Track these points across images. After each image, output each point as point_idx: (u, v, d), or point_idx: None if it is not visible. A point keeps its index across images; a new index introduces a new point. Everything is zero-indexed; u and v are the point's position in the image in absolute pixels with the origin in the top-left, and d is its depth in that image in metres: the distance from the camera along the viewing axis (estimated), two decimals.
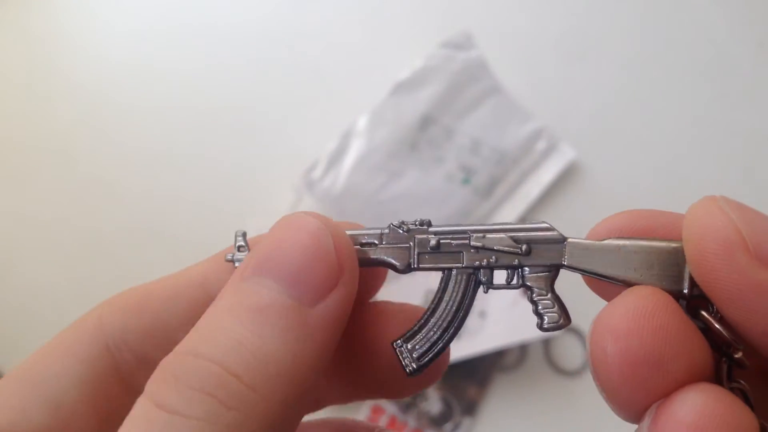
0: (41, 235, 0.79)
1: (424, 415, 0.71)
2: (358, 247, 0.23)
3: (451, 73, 0.80)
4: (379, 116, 0.78)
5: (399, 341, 0.23)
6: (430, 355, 0.23)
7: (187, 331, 0.22)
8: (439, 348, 0.23)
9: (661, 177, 0.78)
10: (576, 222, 0.82)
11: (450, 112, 0.79)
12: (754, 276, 0.18)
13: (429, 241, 0.23)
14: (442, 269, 0.23)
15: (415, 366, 0.23)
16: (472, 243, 0.23)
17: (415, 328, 0.23)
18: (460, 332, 0.23)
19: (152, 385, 0.19)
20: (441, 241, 0.23)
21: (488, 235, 0.23)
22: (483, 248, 0.23)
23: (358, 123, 0.78)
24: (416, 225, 0.23)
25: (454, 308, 0.23)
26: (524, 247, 0.23)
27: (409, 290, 0.73)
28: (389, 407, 0.71)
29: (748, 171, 0.78)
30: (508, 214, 0.77)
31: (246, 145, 0.81)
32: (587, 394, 0.70)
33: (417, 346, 0.23)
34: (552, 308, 0.23)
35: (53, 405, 0.24)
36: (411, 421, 0.71)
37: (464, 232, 0.23)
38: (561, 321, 0.23)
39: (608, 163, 0.79)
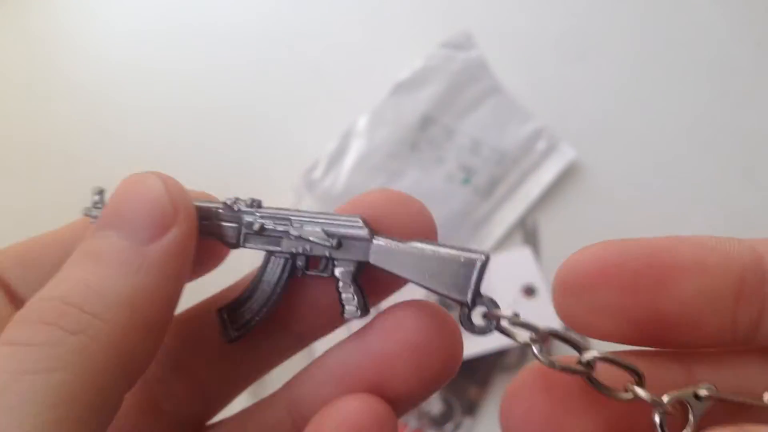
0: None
1: (424, 416, 0.71)
2: (201, 221, 0.25)
3: (451, 73, 0.80)
4: (379, 116, 0.78)
5: (223, 310, 0.25)
6: (248, 327, 0.25)
7: None
8: (257, 320, 0.25)
9: (661, 177, 0.78)
10: (576, 222, 0.82)
11: (450, 112, 0.79)
12: None
13: (254, 224, 0.25)
14: (264, 251, 0.25)
15: (234, 335, 0.25)
16: (291, 231, 0.25)
17: (239, 300, 0.25)
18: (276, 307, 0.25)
19: (5, 331, 0.20)
20: (264, 225, 0.25)
21: (305, 227, 0.25)
22: (300, 237, 0.25)
23: (358, 123, 0.78)
24: (246, 205, 0.25)
25: (271, 288, 0.25)
26: (335, 241, 0.24)
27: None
28: None
29: (748, 171, 0.78)
30: (508, 214, 0.77)
31: (246, 146, 0.81)
32: None
33: (238, 317, 0.25)
34: (352, 300, 0.24)
35: None
36: (412, 422, 0.71)
37: (286, 219, 0.25)
38: (358, 313, 0.24)
39: (608, 163, 0.79)
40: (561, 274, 0.21)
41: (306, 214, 0.25)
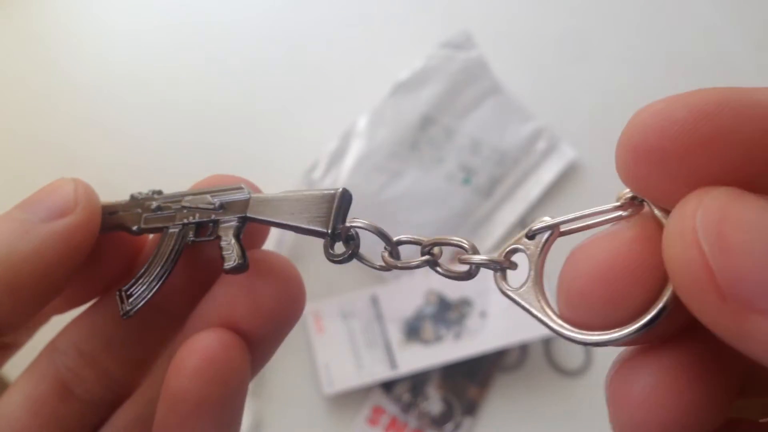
0: None
1: (424, 416, 0.71)
2: (106, 215, 0.27)
3: (451, 73, 0.80)
4: (379, 116, 0.78)
5: (121, 289, 0.26)
6: (141, 301, 0.26)
7: None
8: (148, 294, 0.26)
9: None
10: None
11: (450, 112, 0.79)
12: (726, 323, 0.16)
13: (152, 204, 0.27)
14: (160, 229, 0.27)
15: (128, 308, 0.26)
16: (183, 204, 0.27)
17: (135, 277, 0.26)
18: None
19: None
20: (161, 204, 0.27)
21: (194, 197, 0.27)
22: (189, 207, 0.26)
23: (358, 123, 0.78)
24: (148, 194, 0.27)
25: (164, 261, 0.26)
26: (218, 202, 0.26)
27: (409, 289, 0.73)
28: (390, 407, 0.71)
29: None
30: (509, 214, 0.77)
31: (246, 146, 0.81)
32: (588, 394, 0.70)
33: (134, 293, 0.26)
34: (231, 253, 0.25)
35: None
36: (412, 422, 0.71)
37: (180, 195, 0.27)
38: (237, 261, 0.25)
39: (608, 163, 0.78)
40: (633, 136, 0.19)
41: (197, 190, 0.27)
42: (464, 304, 0.71)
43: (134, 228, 0.27)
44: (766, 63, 0.81)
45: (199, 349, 0.24)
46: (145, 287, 0.26)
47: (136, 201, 0.27)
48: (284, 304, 0.26)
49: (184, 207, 0.27)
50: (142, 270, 0.26)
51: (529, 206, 0.77)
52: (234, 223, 0.26)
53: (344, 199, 0.24)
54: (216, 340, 0.24)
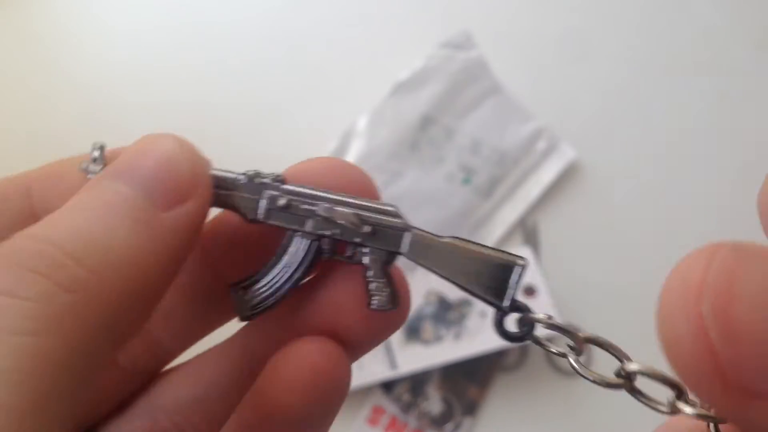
0: None
1: (424, 416, 0.71)
2: (216, 190, 0.23)
3: (451, 73, 0.80)
4: (379, 116, 0.78)
5: (236, 285, 0.24)
6: (262, 307, 0.24)
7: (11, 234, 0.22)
8: (271, 302, 0.24)
9: (661, 177, 0.78)
10: (576, 222, 0.82)
11: (450, 112, 0.79)
12: (726, 405, 0.15)
13: (279, 199, 0.23)
14: (287, 229, 0.24)
15: (247, 313, 0.24)
16: (320, 212, 0.23)
17: (255, 277, 0.24)
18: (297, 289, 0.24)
19: None
20: (291, 202, 0.23)
21: (336, 208, 0.23)
22: (329, 219, 0.23)
23: (358, 123, 0.78)
24: (269, 179, 0.24)
25: (292, 269, 0.24)
26: (367, 228, 0.23)
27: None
28: (390, 407, 0.71)
29: (748, 171, 0.78)
30: (509, 214, 0.77)
31: (246, 146, 0.81)
32: (588, 394, 0.70)
33: (252, 295, 0.24)
34: (382, 291, 0.23)
35: None
36: (412, 422, 0.71)
37: (315, 197, 0.23)
38: (388, 305, 0.23)
39: (608, 163, 0.79)
40: None
41: (335, 195, 0.23)
42: (464, 304, 0.71)
43: (250, 217, 0.24)
44: (766, 63, 0.82)
45: (304, 361, 0.22)
46: (267, 292, 0.24)
47: (254, 185, 0.24)
48: (394, 318, 0.24)
49: (319, 215, 0.23)
50: (264, 272, 0.24)
51: (529, 206, 0.77)
52: (383, 258, 0.23)
53: (525, 273, 0.22)
54: (322, 352, 0.23)
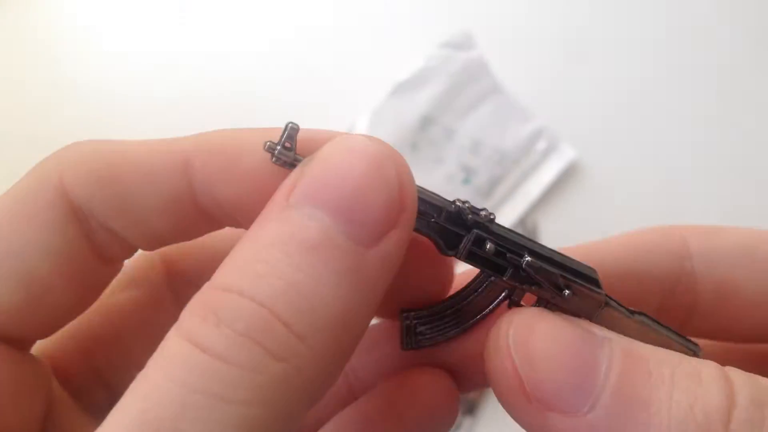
0: None
1: None
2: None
3: (451, 73, 0.80)
4: (379, 116, 0.78)
5: (409, 314, 0.23)
6: (429, 342, 0.23)
7: (162, 217, 0.21)
8: (441, 340, 0.23)
9: (661, 176, 0.78)
10: (576, 222, 0.82)
11: (450, 112, 0.79)
12: (532, 419, 0.19)
13: (486, 244, 0.22)
14: (485, 272, 0.22)
15: (413, 345, 0.23)
16: (524, 266, 0.22)
17: (432, 310, 0.23)
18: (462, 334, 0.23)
19: (188, 321, 0.16)
20: (498, 251, 0.22)
21: (544, 265, 0.22)
22: (532, 275, 0.22)
23: (358, 123, 0.78)
24: (482, 218, 0.22)
25: (475, 311, 0.23)
26: (567, 292, 0.22)
27: None
28: None
29: (748, 171, 0.78)
30: (509, 214, 0.77)
31: None
32: None
33: (423, 328, 0.23)
34: None
35: (24, 280, 0.21)
36: None
37: (522, 247, 0.22)
38: None
39: (608, 163, 0.79)
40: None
41: (541, 249, 0.22)
42: None
43: (448, 250, 0.22)
44: (766, 63, 0.81)
45: (424, 398, 0.22)
46: (439, 329, 0.23)
47: (460, 218, 0.21)
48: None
49: (523, 269, 0.22)
50: (444, 307, 0.23)
51: (529, 206, 0.77)
52: None
53: None
54: (441, 389, 0.23)
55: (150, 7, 0.89)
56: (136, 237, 0.22)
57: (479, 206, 0.22)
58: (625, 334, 0.21)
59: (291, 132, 0.21)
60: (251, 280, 0.17)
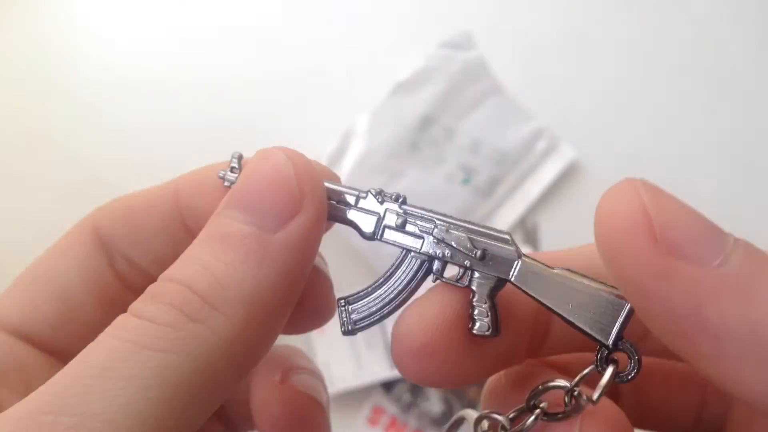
0: (40, 236, 0.79)
1: (425, 416, 0.71)
2: (334, 203, 0.24)
3: (451, 73, 0.80)
4: (380, 116, 0.78)
5: (343, 300, 0.25)
6: (366, 323, 0.24)
7: (161, 240, 0.27)
8: (376, 319, 0.24)
9: (661, 177, 0.78)
10: (576, 222, 0.82)
11: (450, 112, 0.79)
12: (653, 262, 0.18)
13: (397, 218, 0.24)
14: (401, 248, 0.24)
15: (350, 327, 0.24)
16: (434, 233, 0.24)
17: (362, 293, 0.24)
18: (399, 311, 0.24)
19: (133, 304, 0.21)
20: (407, 221, 0.24)
21: (451, 230, 0.24)
22: (441, 241, 0.24)
23: (358, 123, 0.78)
24: (391, 198, 0.24)
25: (400, 287, 0.24)
26: (478, 252, 0.23)
27: None
28: (390, 408, 0.71)
29: (748, 171, 0.78)
30: (509, 214, 0.77)
31: (246, 146, 0.81)
32: None
33: (357, 311, 0.24)
34: (485, 317, 0.23)
35: (60, 298, 0.27)
36: (412, 421, 0.71)
37: (431, 219, 0.24)
38: (489, 332, 0.23)
39: (608, 163, 0.79)
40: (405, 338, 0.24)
41: (451, 219, 0.24)
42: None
43: (367, 232, 0.24)
44: (766, 63, 0.82)
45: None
46: (373, 308, 0.24)
47: (374, 201, 0.25)
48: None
49: (435, 237, 0.24)
50: (371, 288, 0.24)
51: (529, 206, 0.77)
52: (491, 283, 0.23)
53: (630, 314, 0.22)
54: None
55: (150, 9, 0.89)
56: (147, 262, 0.28)
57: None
58: (548, 285, 0.22)
59: (235, 159, 0.25)
60: (180, 270, 0.21)
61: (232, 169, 0.25)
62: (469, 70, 0.80)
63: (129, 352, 0.19)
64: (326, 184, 0.24)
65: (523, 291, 0.23)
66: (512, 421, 0.23)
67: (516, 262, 0.23)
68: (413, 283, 0.24)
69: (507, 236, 0.23)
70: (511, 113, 0.80)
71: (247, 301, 0.20)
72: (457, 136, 0.79)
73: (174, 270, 0.22)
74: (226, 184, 0.25)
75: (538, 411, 0.22)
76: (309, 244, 0.22)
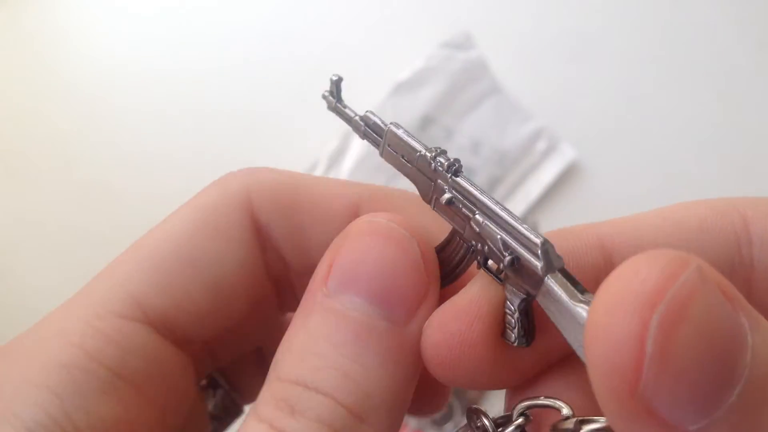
0: (40, 237, 0.79)
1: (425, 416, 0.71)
2: (401, 158, 0.23)
3: (451, 73, 0.80)
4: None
5: None
6: None
7: (322, 241, 0.23)
8: None
9: (661, 177, 0.78)
10: (576, 222, 0.81)
11: (450, 112, 0.79)
12: (627, 405, 0.14)
13: (444, 194, 0.22)
14: (451, 226, 0.22)
15: None
16: (472, 224, 0.21)
17: None
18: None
19: (267, 410, 0.19)
20: (453, 201, 0.22)
21: (487, 224, 0.21)
22: (479, 235, 0.21)
23: None
24: (445, 167, 0.22)
25: (449, 267, 0.23)
26: (508, 259, 0.20)
27: None
28: None
29: (748, 171, 0.78)
30: None
31: (246, 146, 0.81)
32: None
33: None
34: (512, 327, 0.21)
35: (214, 288, 0.24)
36: (412, 422, 0.71)
37: (473, 204, 0.21)
38: (516, 342, 0.21)
39: (608, 163, 0.79)
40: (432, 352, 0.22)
41: (492, 210, 0.21)
42: None
43: (424, 198, 0.22)
44: (766, 63, 0.81)
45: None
46: None
47: (427, 166, 0.22)
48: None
49: (474, 224, 0.21)
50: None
51: (529, 206, 0.77)
52: (522, 294, 0.20)
53: None
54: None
55: (149, 9, 0.89)
56: (300, 264, 0.25)
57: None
58: (565, 315, 0.19)
59: (334, 81, 0.24)
60: (312, 373, 0.19)
61: (331, 93, 0.23)
62: (469, 70, 0.80)
63: None
64: (396, 132, 0.23)
65: (547, 312, 0.20)
66: (497, 426, 0.22)
67: (544, 280, 0.19)
68: (462, 266, 0.22)
69: (538, 244, 0.19)
70: (511, 113, 0.80)
71: (390, 407, 0.19)
72: (457, 136, 0.79)
73: (302, 371, 0.19)
74: (327, 103, 0.23)
75: (518, 422, 0.21)
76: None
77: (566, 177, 0.78)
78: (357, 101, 0.88)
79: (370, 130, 0.25)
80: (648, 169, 0.78)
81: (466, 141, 0.78)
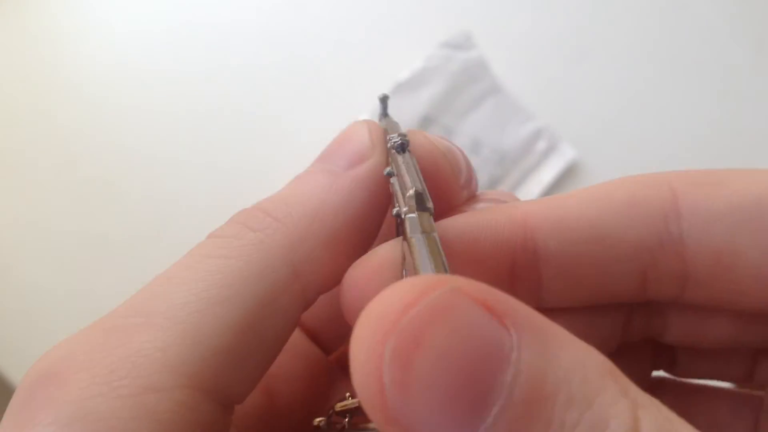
0: (41, 237, 0.79)
1: None
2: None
3: (451, 73, 0.80)
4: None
5: None
6: None
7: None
8: None
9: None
10: None
11: (450, 112, 0.79)
12: (382, 416, 0.14)
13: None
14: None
15: None
16: (385, 173, 0.24)
17: None
18: None
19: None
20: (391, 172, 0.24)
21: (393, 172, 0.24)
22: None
23: None
24: (393, 142, 0.24)
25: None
26: (395, 210, 0.22)
27: None
28: None
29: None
30: None
31: (247, 146, 0.81)
32: None
33: None
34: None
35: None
36: None
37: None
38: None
39: (608, 163, 0.79)
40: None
41: (408, 169, 0.22)
42: None
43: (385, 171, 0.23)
44: (766, 63, 0.81)
45: None
46: None
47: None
48: None
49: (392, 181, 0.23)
50: None
51: None
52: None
53: None
54: None
55: (149, 9, 0.89)
56: None
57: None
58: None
59: (381, 100, 0.27)
60: (262, 201, 0.23)
61: (382, 113, 0.27)
62: (469, 70, 0.80)
63: (192, 261, 0.20)
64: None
65: None
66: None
67: (407, 236, 0.19)
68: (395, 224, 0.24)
69: (412, 194, 0.21)
70: (511, 113, 0.80)
71: (309, 216, 0.22)
72: (457, 136, 0.78)
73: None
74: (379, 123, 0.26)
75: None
76: (372, 184, 0.23)
77: (566, 177, 0.78)
78: (357, 101, 0.88)
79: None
80: (648, 169, 0.78)
81: (466, 141, 0.78)
